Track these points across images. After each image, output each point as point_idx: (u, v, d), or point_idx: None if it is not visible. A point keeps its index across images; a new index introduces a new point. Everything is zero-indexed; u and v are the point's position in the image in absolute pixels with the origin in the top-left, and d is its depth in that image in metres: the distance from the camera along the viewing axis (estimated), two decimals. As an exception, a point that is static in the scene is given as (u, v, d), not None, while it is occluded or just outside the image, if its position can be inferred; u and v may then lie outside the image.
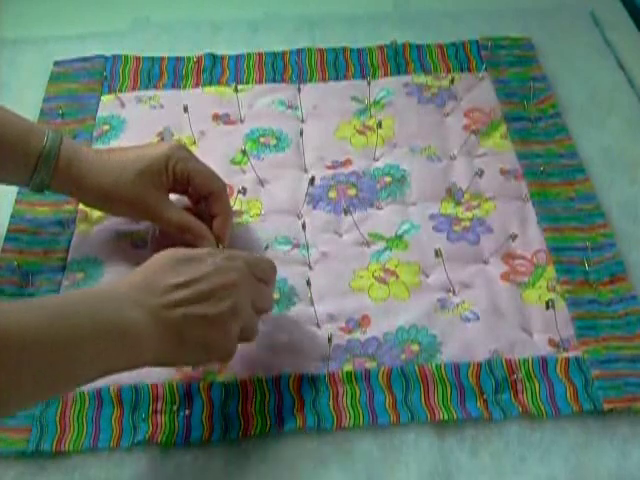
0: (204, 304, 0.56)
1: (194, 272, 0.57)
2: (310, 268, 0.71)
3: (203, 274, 0.57)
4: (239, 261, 0.60)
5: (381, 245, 0.72)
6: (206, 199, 0.70)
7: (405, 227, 0.74)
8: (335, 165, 0.79)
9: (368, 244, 0.73)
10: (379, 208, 0.76)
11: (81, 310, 0.52)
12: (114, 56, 0.90)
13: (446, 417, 0.61)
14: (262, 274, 0.62)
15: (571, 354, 0.65)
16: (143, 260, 0.70)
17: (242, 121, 0.84)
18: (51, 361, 0.49)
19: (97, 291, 0.58)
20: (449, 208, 0.75)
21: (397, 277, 0.70)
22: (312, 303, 0.67)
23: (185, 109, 0.78)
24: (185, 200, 0.72)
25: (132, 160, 0.67)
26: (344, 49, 0.91)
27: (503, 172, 0.78)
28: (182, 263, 0.57)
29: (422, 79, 0.88)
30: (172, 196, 0.71)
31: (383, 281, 0.70)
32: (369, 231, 0.73)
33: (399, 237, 0.73)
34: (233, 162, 0.80)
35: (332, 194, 0.77)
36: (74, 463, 0.60)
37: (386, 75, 0.88)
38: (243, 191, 0.73)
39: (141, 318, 0.53)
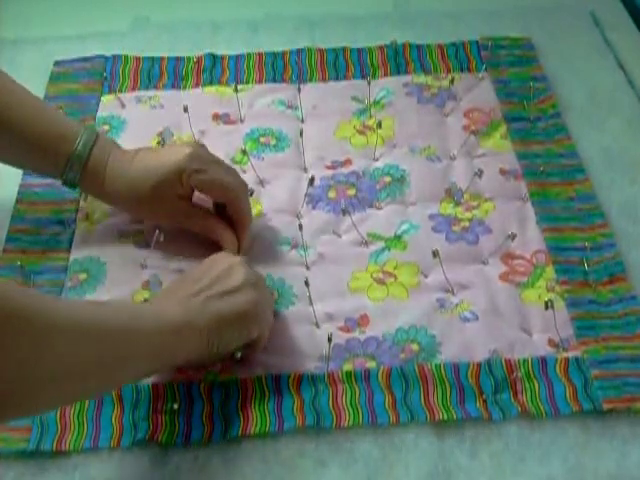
0: (219, 284, 0.60)
1: (204, 268, 0.63)
2: (307, 268, 0.71)
3: (212, 267, 0.62)
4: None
5: (380, 245, 0.73)
6: (225, 206, 0.70)
7: (404, 227, 0.74)
8: (335, 165, 0.80)
9: (367, 244, 0.73)
10: (378, 208, 0.76)
11: (121, 309, 0.57)
12: (114, 56, 0.90)
13: (445, 417, 0.61)
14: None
15: (570, 354, 0.65)
16: (146, 260, 0.71)
17: (242, 121, 0.84)
18: (96, 352, 0.52)
19: (127, 301, 0.67)
20: (448, 208, 0.75)
21: (395, 278, 0.70)
22: (311, 303, 0.67)
23: (185, 109, 0.78)
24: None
25: (153, 168, 0.68)
26: (344, 49, 0.91)
27: (503, 172, 0.78)
28: (194, 269, 0.63)
29: (422, 79, 0.88)
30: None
31: (382, 282, 0.70)
32: (368, 231, 0.73)
33: (398, 237, 0.73)
34: (233, 162, 0.80)
35: (332, 194, 0.77)
36: (74, 462, 0.60)
37: (386, 75, 0.89)
38: (250, 192, 0.72)
39: (177, 313, 0.57)
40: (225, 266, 0.62)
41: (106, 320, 0.53)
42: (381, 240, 0.73)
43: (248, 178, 0.77)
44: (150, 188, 0.67)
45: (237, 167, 0.79)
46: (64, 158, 0.67)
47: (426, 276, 0.70)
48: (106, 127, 0.83)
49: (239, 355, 0.62)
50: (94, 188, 0.70)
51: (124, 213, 0.74)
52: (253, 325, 0.61)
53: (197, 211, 0.70)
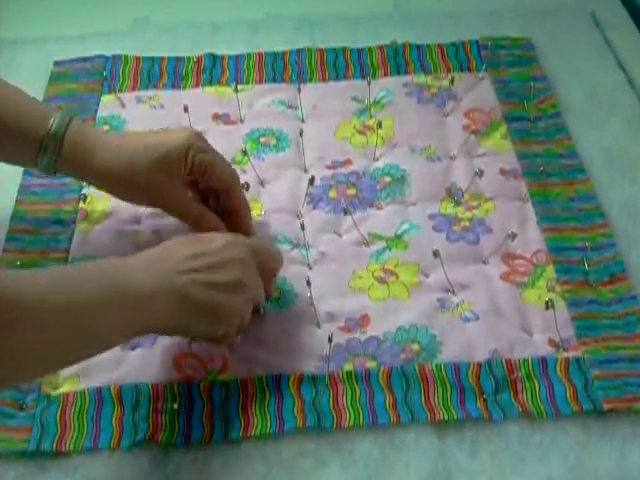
0: (211, 273, 0.59)
1: (205, 246, 0.60)
2: (309, 268, 0.71)
3: (214, 249, 0.60)
4: (245, 245, 0.63)
5: (380, 245, 0.73)
6: (218, 193, 0.69)
7: (405, 227, 0.74)
8: (335, 165, 0.80)
9: (368, 244, 0.73)
10: (379, 208, 0.76)
11: (93, 279, 0.54)
12: (114, 56, 0.90)
13: (446, 417, 0.61)
14: (265, 261, 0.65)
15: (571, 354, 0.65)
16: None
17: (242, 121, 0.84)
18: (65, 330, 0.51)
19: (110, 261, 0.58)
20: (449, 208, 0.75)
21: (397, 277, 0.70)
22: (312, 303, 0.67)
23: (185, 109, 0.78)
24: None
25: (150, 146, 0.65)
26: (344, 49, 0.91)
27: (503, 172, 0.78)
28: (196, 239, 0.61)
29: (422, 79, 0.88)
30: None
31: (383, 281, 0.70)
32: (369, 231, 0.73)
33: (399, 237, 0.73)
34: (234, 162, 0.79)
35: (332, 194, 0.77)
36: (74, 463, 0.60)
37: (386, 75, 0.89)
38: (246, 187, 0.72)
39: (154, 285, 0.56)
40: (220, 256, 0.60)
41: (74, 293, 0.52)
42: (382, 240, 0.73)
43: (248, 178, 0.77)
44: (153, 163, 0.65)
45: (237, 167, 0.78)
46: (38, 140, 0.65)
47: (427, 276, 0.70)
48: (106, 127, 0.83)
49: (263, 311, 0.66)
50: (76, 169, 0.67)
51: (123, 213, 0.74)
52: (220, 325, 0.60)
53: (191, 199, 0.69)
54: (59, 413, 0.62)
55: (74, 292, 0.52)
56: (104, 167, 0.66)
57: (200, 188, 0.70)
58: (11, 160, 0.70)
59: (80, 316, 0.52)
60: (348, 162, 0.80)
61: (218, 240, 0.61)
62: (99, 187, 0.69)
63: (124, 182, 0.66)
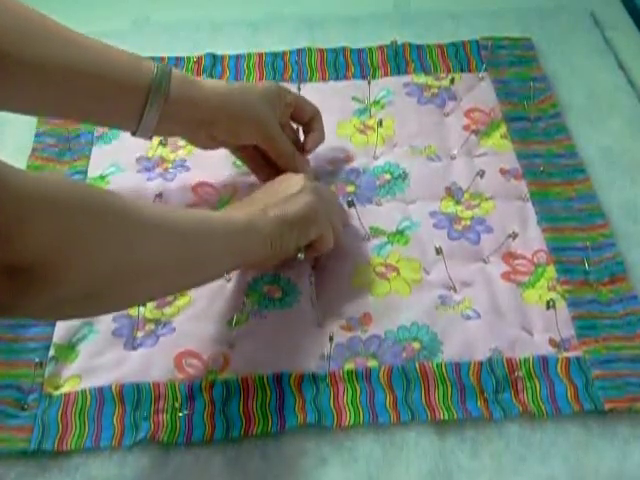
0: (280, 194, 0.65)
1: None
2: (313, 267, 0.71)
3: (288, 182, 0.68)
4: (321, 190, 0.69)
5: (382, 239, 0.73)
6: (304, 123, 0.76)
7: (405, 224, 0.74)
8: (335, 161, 0.80)
9: (369, 238, 0.73)
10: (378, 205, 0.76)
11: (194, 214, 0.61)
12: (114, 56, 0.90)
13: (446, 416, 0.61)
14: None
15: (571, 354, 0.65)
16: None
17: (242, 121, 0.84)
18: (189, 250, 0.56)
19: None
20: (449, 207, 0.75)
21: (398, 272, 0.70)
22: (314, 301, 0.68)
23: (185, 109, 0.78)
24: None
25: (254, 86, 0.71)
26: (344, 49, 0.91)
27: (503, 172, 0.79)
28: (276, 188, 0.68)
29: (422, 79, 0.88)
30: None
31: (384, 276, 0.70)
32: (370, 225, 0.73)
33: (400, 232, 0.73)
34: (235, 164, 0.79)
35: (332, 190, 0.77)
36: (75, 462, 0.60)
37: (386, 75, 0.89)
38: None
39: (247, 216, 0.62)
40: (286, 182, 0.67)
41: (184, 222, 0.57)
42: (383, 235, 0.73)
43: (250, 179, 0.77)
44: (261, 97, 0.69)
45: (238, 169, 0.79)
46: (143, 91, 0.64)
47: (428, 273, 0.70)
48: (106, 128, 0.83)
49: (302, 256, 0.66)
50: (183, 114, 0.66)
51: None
52: (311, 226, 0.64)
53: (284, 134, 0.73)
54: (60, 413, 0.62)
55: (184, 221, 0.57)
56: (216, 106, 0.68)
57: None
58: (111, 119, 0.68)
59: (190, 241, 0.57)
60: (349, 160, 0.80)
61: (278, 180, 0.68)
62: (202, 133, 0.70)
63: (235, 118, 0.69)
